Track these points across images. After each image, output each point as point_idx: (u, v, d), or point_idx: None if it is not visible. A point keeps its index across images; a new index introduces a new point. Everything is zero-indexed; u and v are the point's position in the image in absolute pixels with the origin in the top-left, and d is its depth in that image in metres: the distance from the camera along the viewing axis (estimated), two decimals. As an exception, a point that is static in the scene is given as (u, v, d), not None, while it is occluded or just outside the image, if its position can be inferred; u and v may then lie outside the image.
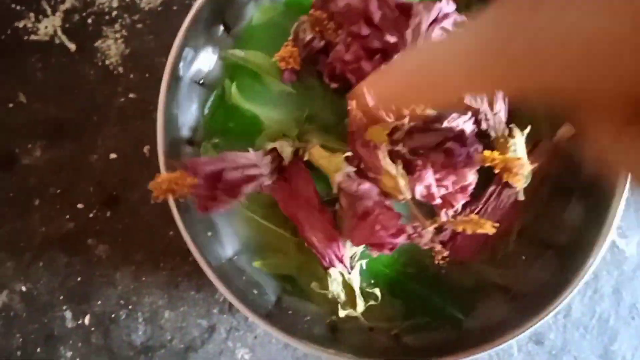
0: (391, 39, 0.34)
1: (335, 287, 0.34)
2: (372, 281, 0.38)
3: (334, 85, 0.36)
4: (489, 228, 0.31)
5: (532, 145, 0.36)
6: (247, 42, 0.39)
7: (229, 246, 0.38)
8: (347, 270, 0.35)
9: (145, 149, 0.44)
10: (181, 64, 0.36)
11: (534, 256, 0.38)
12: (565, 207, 0.37)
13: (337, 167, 0.34)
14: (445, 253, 0.33)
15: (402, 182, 0.32)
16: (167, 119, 0.36)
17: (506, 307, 0.36)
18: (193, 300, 0.43)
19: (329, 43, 0.36)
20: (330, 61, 0.35)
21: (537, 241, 0.38)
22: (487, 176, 0.35)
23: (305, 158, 0.35)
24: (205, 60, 0.39)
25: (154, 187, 0.31)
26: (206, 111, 0.39)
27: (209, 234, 0.36)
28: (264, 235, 0.38)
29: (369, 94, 0.28)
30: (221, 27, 0.39)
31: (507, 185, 0.35)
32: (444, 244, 0.35)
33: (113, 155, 0.44)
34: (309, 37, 0.37)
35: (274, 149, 0.35)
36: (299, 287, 0.37)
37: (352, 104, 0.32)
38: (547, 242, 0.38)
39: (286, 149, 0.35)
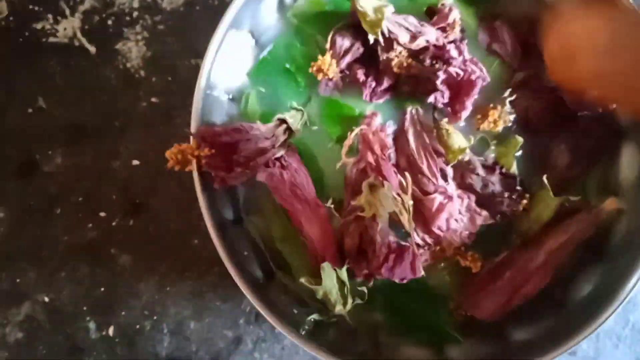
0: None
1: (328, 283, 0.34)
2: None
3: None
4: (475, 265, 0.35)
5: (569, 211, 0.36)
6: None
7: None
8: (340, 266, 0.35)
9: (169, 155, 0.43)
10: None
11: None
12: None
13: None
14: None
15: (405, 217, 0.33)
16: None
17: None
18: (219, 310, 0.42)
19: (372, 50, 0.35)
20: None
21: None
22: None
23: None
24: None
25: (170, 156, 0.32)
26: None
27: (245, 253, 0.35)
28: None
29: None
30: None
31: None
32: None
33: (136, 162, 0.43)
34: (346, 44, 0.36)
35: (284, 120, 0.35)
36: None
37: (347, 161, 0.35)
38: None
39: (296, 121, 0.36)
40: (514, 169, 0.37)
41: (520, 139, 0.36)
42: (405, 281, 0.34)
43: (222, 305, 0.42)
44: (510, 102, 0.36)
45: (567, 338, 0.33)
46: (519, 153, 0.37)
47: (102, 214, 0.43)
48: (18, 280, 0.42)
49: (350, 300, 0.34)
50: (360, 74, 0.36)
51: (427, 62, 0.35)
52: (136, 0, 0.44)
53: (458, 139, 0.36)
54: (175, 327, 0.42)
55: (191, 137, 0.33)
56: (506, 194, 0.36)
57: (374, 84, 0.37)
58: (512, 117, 0.37)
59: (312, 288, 0.34)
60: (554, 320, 0.36)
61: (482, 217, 0.36)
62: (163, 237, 0.42)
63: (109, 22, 0.44)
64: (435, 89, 0.35)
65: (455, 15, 0.36)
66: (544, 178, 0.36)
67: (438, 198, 0.35)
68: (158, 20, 0.44)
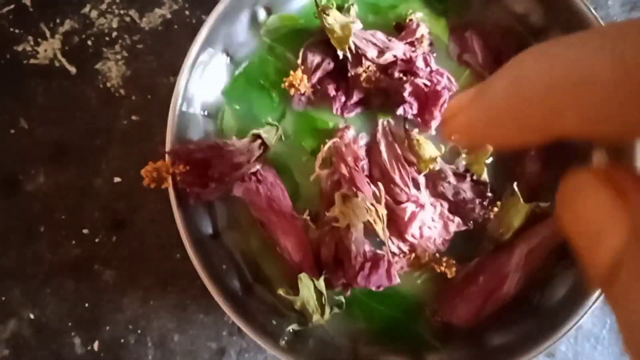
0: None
1: (305, 293, 0.34)
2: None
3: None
4: (450, 271, 0.36)
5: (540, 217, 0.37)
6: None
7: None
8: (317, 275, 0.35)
9: (150, 171, 0.44)
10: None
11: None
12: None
13: None
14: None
15: (380, 227, 0.34)
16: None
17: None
18: (202, 323, 0.43)
19: (343, 64, 0.36)
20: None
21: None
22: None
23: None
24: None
25: (145, 174, 0.32)
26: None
27: (224, 266, 0.36)
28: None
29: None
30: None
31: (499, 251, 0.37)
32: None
33: (117, 179, 0.44)
34: (317, 60, 0.37)
35: (259, 136, 0.36)
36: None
37: (321, 173, 0.36)
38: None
39: (270, 136, 0.37)
40: (484, 176, 0.37)
41: (490, 147, 0.37)
42: (381, 289, 0.35)
43: (205, 317, 0.43)
44: None
45: (543, 339, 0.34)
46: (490, 160, 0.38)
47: (85, 231, 0.43)
48: (3, 298, 0.43)
49: (328, 310, 0.35)
50: (331, 89, 0.37)
51: (396, 75, 0.36)
52: (115, 21, 0.45)
53: (429, 149, 0.37)
54: (159, 340, 0.42)
55: (166, 155, 0.33)
56: (477, 201, 0.37)
57: (344, 98, 0.38)
58: None
59: (290, 299, 0.35)
60: (530, 323, 0.36)
61: (455, 223, 0.37)
62: (146, 252, 0.43)
63: (89, 42, 0.45)
64: (403, 101, 0.36)
65: (423, 30, 0.37)
66: (514, 185, 0.36)
67: (410, 207, 0.36)
68: (137, 40, 0.45)
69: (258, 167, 0.36)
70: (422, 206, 0.36)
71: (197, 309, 0.43)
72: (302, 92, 0.37)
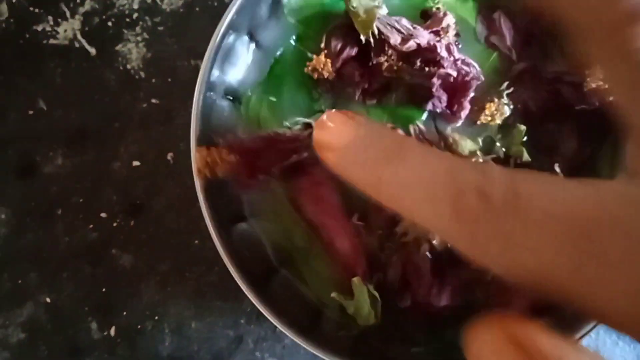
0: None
1: (360, 298, 0.34)
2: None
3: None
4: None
5: None
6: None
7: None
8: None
9: (169, 156, 0.43)
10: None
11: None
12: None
13: None
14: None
15: None
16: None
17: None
18: (220, 310, 0.42)
19: (366, 50, 0.35)
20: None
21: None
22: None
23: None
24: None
25: (197, 160, 0.32)
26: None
27: (246, 252, 0.35)
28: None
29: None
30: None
31: None
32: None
33: (136, 163, 0.43)
34: (340, 44, 0.36)
35: (310, 124, 0.35)
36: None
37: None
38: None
39: None
40: (525, 156, 0.36)
41: (522, 127, 0.36)
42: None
43: (223, 305, 0.42)
44: (508, 94, 0.36)
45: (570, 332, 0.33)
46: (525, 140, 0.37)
47: (103, 215, 0.43)
48: (20, 282, 0.42)
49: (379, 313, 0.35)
50: (356, 74, 0.36)
51: (418, 65, 0.35)
52: (136, 2, 0.44)
53: (466, 144, 0.36)
54: (176, 327, 0.42)
55: (220, 142, 0.33)
56: None
57: (366, 85, 0.37)
58: (508, 109, 0.36)
59: (344, 303, 0.34)
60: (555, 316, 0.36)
61: None
62: (164, 238, 0.43)
63: (109, 23, 0.44)
64: (431, 96, 0.35)
65: (450, 20, 0.36)
66: (556, 167, 0.35)
67: None
68: (158, 22, 0.44)
69: (306, 154, 0.35)
70: None
71: (214, 296, 0.42)
72: (325, 76, 0.36)
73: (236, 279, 0.33)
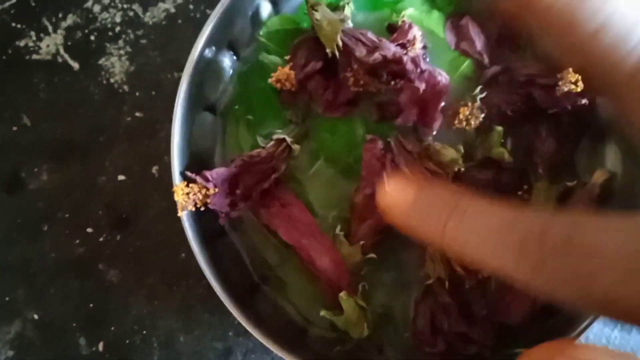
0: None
1: (349, 311, 0.34)
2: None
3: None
4: None
5: (564, 192, 0.36)
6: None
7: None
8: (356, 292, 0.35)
9: (154, 169, 0.43)
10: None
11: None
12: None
13: None
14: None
15: None
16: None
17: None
18: (208, 323, 0.42)
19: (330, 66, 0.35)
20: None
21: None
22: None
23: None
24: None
25: (178, 196, 0.32)
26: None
27: (229, 266, 0.36)
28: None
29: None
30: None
31: None
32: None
33: (121, 177, 0.43)
34: (306, 56, 0.36)
35: (284, 139, 0.36)
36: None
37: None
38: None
39: (292, 135, 0.36)
40: (507, 158, 0.36)
41: (500, 128, 0.36)
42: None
43: (211, 317, 0.42)
44: (481, 98, 0.36)
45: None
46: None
47: (90, 230, 0.43)
48: (7, 299, 0.42)
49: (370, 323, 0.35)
50: (318, 86, 0.36)
51: (385, 78, 0.35)
52: (118, 15, 0.44)
53: (448, 152, 0.35)
54: (165, 341, 0.42)
55: (197, 178, 0.33)
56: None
57: (330, 96, 0.36)
58: (482, 113, 0.36)
59: (334, 319, 0.34)
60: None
61: None
62: (150, 251, 0.42)
63: (92, 37, 0.44)
64: (401, 110, 0.35)
65: (416, 32, 0.36)
66: (540, 170, 0.35)
67: None
68: (140, 35, 0.44)
69: (283, 168, 0.35)
70: None
71: (203, 308, 0.42)
72: (289, 87, 0.36)
73: (219, 294, 0.33)
